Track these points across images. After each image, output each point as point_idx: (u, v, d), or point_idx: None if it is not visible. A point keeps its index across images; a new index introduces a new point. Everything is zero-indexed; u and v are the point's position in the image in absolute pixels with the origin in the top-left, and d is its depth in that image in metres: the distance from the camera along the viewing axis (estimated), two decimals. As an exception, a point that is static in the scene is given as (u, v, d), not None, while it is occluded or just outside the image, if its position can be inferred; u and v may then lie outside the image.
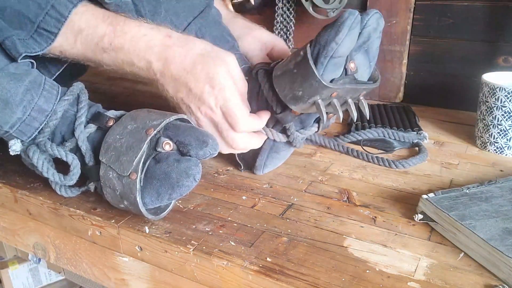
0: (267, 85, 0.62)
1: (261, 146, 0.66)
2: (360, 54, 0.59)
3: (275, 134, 0.65)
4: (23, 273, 1.29)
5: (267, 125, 0.64)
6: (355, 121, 0.62)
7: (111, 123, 0.58)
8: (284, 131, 0.65)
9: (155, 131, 0.53)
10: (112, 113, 0.60)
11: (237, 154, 0.68)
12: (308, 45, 0.56)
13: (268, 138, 0.65)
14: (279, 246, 0.51)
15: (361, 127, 0.82)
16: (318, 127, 0.67)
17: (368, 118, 0.74)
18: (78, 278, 1.23)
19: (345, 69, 0.57)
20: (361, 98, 0.61)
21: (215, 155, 0.55)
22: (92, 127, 0.59)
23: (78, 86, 0.61)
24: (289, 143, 0.67)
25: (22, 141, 0.59)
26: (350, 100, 0.59)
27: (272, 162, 0.68)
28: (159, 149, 0.54)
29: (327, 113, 0.59)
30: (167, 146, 0.54)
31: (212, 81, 0.57)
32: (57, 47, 0.59)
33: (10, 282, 1.27)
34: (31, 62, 0.59)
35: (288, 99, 0.58)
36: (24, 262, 1.28)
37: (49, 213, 0.62)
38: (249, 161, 0.68)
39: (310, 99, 0.57)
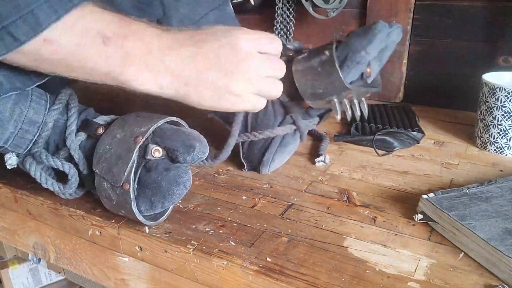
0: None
1: (270, 142, 0.69)
2: (376, 61, 0.62)
3: (287, 128, 0.68)
4: (23, 273, 1.28)
5: (276, 117, 0.67)
6: (358, 120, 0.64)
7: (100, 130, 0.57)
8: (292, 122, 0.69)
9: (143, 139, 0.52)
10: (101, 119, 0.59)
11: (242, 153, 0.69)
12: (334, 46, 0.59)
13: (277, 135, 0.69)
14: (279, 246, 0.51)
15: (361, 127, 0.82)
16: (319, 120, 0.72)
17: (367, 118, 0.76)
18: (78, 278, 1.23)
19: (362, 73, 0.61)
20: (363, 99, 0.64)
21: (204, 158, 0.54)
22: (83, 135, 0.58)
23: (66, 93, 0.60)
24: (296, 133, 0.70)
25: (18, 153, 0.58)
26: (355, 101, 0.62)
27: (280, 157, 0.69)
28: (148, 157, 0.53)
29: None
30: (157, 153, 0.53)
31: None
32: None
33: (10, 282, 1.27)
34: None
35: (307, 95, 0.61)
36: (24, 262, 1.28)
37: (49, 213, 0.62)
38: (254, 160, 0.69)
39: (327, 97, 0.60)
